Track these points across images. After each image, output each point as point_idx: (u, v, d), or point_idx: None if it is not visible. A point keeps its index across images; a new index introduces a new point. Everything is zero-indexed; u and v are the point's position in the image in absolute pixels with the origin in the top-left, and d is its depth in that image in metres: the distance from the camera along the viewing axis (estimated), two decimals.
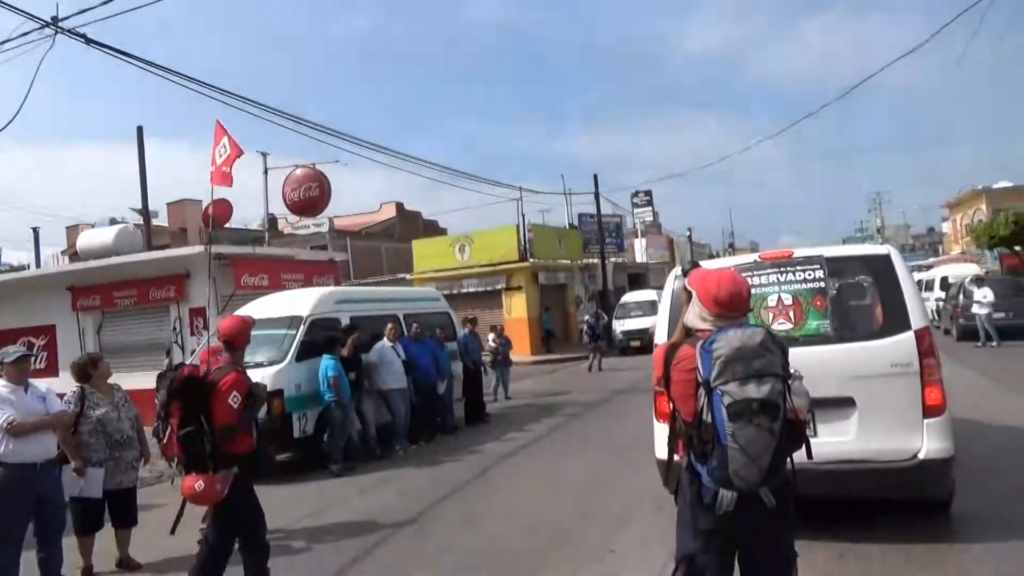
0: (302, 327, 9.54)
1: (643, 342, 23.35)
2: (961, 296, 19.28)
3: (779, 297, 5.18)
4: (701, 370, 2.51)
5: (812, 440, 4.53)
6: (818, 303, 5.12)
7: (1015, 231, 23.62)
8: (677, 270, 5.07)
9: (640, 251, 48.66)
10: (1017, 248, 25.45)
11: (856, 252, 5.72)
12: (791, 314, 5.12)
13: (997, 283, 20.42)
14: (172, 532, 4.42)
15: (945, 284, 24.62)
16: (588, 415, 12.35)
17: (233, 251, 14.61)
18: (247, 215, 53.68)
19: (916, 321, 4.83)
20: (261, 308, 9.95)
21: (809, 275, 5.15)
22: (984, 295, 18.43)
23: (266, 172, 20.59)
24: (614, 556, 5.19)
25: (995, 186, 45.72)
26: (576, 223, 34.39)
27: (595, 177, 31.92)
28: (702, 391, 2.51)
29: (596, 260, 31.78)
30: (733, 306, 2.65)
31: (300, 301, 10.24)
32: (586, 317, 22.17)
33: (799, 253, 5.29)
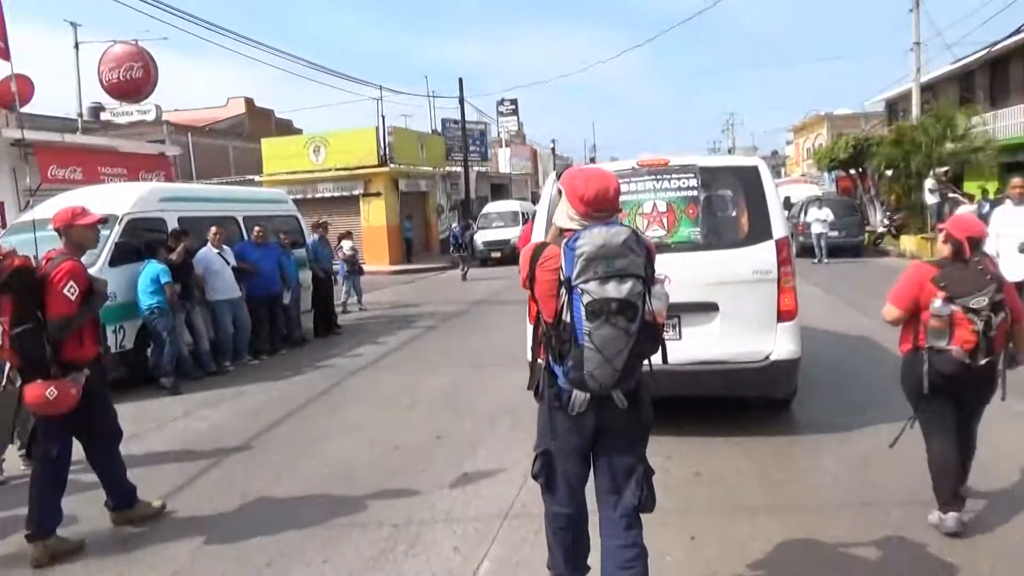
0: (117, 227, 8.24)
1: (504, 253, 23.16)
2: (802, 215, 20.27)
3: (654, 204, 5.27)
4: (564, 268, 2.46)
5: (677, 343, 4.92)
6: (690, 211, 5.23)
7: (853, 155, 25.03)
8: (555, 173, 5.18)
9: (504, 161, 48.06)
10: (852, 171, 27.06)
11: (728, 163, 5.93)
12: (665, 221, 5.24)
13: (834, 204, 21.66)
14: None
15: (787, 204, 25.91)
16: (445, 327, 11.87)
17: (37, 138, 12.60)
18: (65, 106, 47.71)
19: (778, 230, 5.03)
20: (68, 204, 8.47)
21: (683, 183, 5.23)
22: (825, 215, 19.46)
23: (77, 47, 17.88)
24: (467, 480, 4.76)
25: (836, 112, 48.52)
26: (439, 129, 33.19)
27: (460, 81, 30.65)
28: (564, 290, 2.46)
29: (459, 168, 30.89)
30: (599, 204, 2.56)
31: (116, 197, 8.83)
32: (454, 225, 21.67)
33: (675, 161, 5.31)
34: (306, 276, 11.11)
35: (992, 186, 22.51)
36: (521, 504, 4.25)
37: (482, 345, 9.87)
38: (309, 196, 25.83)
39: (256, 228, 9.83)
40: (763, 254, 5.00)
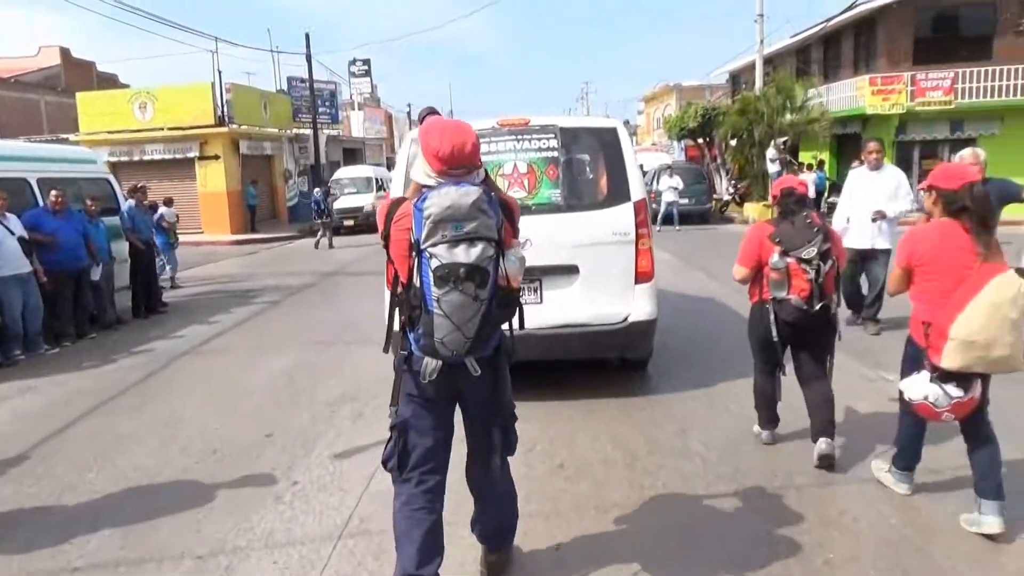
0: None
1: (358, 221, 22.09)
2: (654, 183, 20.62)
3: (515, 165, 5.15)
4: (413, 230, 2.34)
5: (538, 307, 4.99)
6: (551, 172, 5.16)
7: (702, 124, 25.83)
8: (415, 132, 4.74)
9: (357, 125, 46.08)
10: (700, 140, 27.96)
11: (587, 124, 5.83)
12: (526, 182, 5.12)
13: (684, 171, 22.22)
14: None
15: (640, 171, 26.41)
16: (290, 302, 10.85)
17: None
18: None
19: (635, 193, 5.07)
20: None
21: (544, 144, 5.16)
22: (676, 183, 19.88)
23: None
24: (296, 491, 4.04)
25: (684, 83, 50.26)
26: (285, 88, 31.06)
27: (307, 36, 28.58)
28: (413, 253, 2.35)
29: (308, 131, 29.06)
30: (456, 161, 2.43)
31: None
32: (316, 191, 20.48)
33: (536, 121, 5.22)
34: (121, 248, 9.71)
35: (825, 156, 23.96)
36: (359, 520, 3.60)
37: (332, 321, 9.04)
38: (136, 158, 23.39)
39: (53, 192, 8.36)
40: (622, 216, 5.01)
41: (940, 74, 20.86)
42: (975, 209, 3.15)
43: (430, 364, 2.48)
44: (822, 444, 3.93)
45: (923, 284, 3.28)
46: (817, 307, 3.86)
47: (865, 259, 6.90)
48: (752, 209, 21.30)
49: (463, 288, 2.30)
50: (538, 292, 5.06)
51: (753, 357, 4.32)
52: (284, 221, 27.31)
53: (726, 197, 24.26)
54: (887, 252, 6.73)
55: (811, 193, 22.73)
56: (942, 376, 3.15)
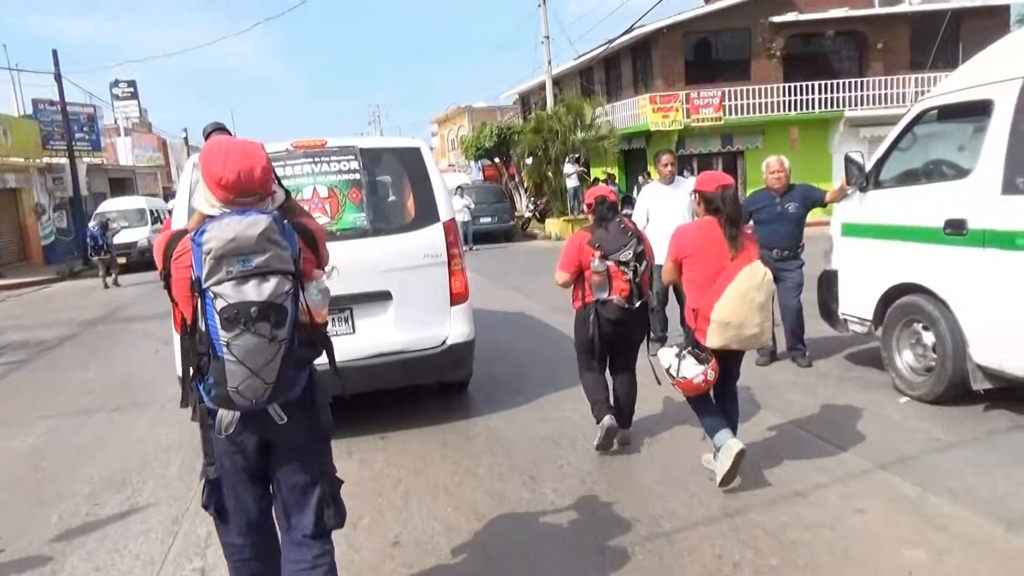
0: None
1: (131, 258, 19.77)
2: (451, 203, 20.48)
3: (314, 189, 4.89)
4: (194, 267, 2.10)
5: (351, 337, 4.83)
6: (354, 195, 4.95)
7: (498, 143, 26.20)
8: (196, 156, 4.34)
9: (125, 152, 41.82)
10: (496, 160, 28.35)
11: (389, 144, 5.76)
12: (328, 207, 4.88)
13: (483, 191, 22.37)
14: None
15: (447, 191, 26.22)
16: (40, 362, 9.09)
17: None
18: None
19: (444, 213, 5.02)
20: None
21: (344, 166, 4.96)
22: (467, 203, 19.84)
23: None
24: None
25: (475, 105, 51.32)
26: (32, 112, 27.26)
27: (54, 53, 25.35)
28: (196, 293, 2.12)
29: (64, 160, 25.66)
30: (242, 188, 2.17)
31: None
32: (92, 225, 18.19)
33: (333, 143, 5.01)
34: None
35: (614, 170, 25.19)
36: None
37: (96, 381, 7.58)
38: None
39: None
40: (432, 237, 4.96)
41: (710, 93, 22.78)
42: (725, 209, 3.73)
43: (226, 417, 2.24)
44: (607, 420, 4.34)
45: (689, 274, 3.85)
46: (637, 304, 4.24)
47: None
48: (554, 225, 21.86)
49: (256, 329, 2.07)
50: (349, 322, 4.87)
51: (578, 360, 4.58)
52: (38, 263, 23.83)
53: (527, 214, 24.72)
54: None
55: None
56: (694, 355, 3.76)
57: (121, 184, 35.35)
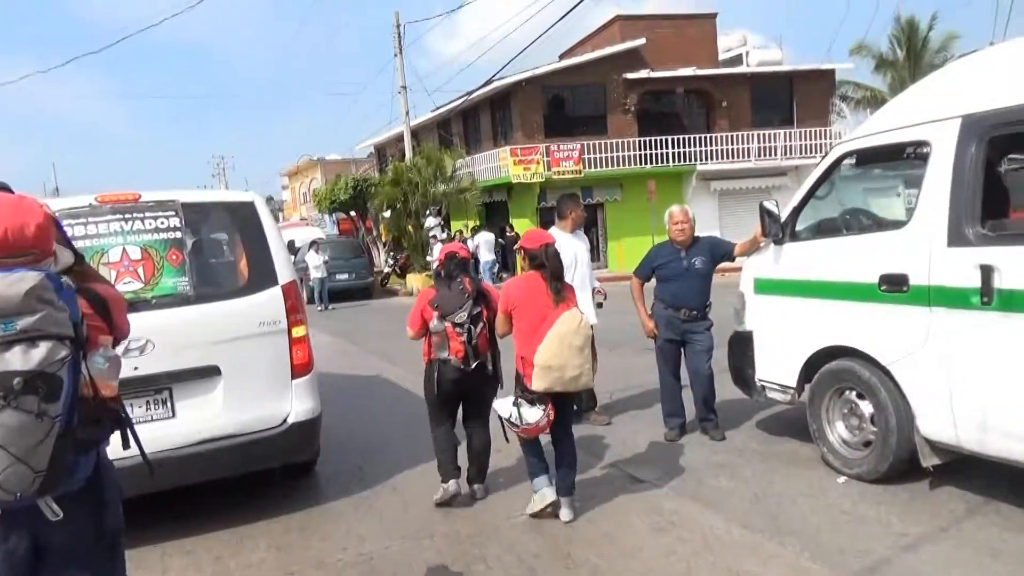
0: None
1: None
2: (305, 260, 19.70)
3: (124, 250, 4.36)
4: None
5: (170, 422, 4.34)
6: (174, 257, 4.47)
7: (353, 196, 25.66)
8: None
9: None
10: (353, 213, 27.75)
11: (218, 198, 5.40)
12: (141, 271, 4.37)
13: (339, 246, 21.70)
14: None
15: (292, 248, 25.23)
16: None
17: None
18: None
19: (283, 275, 4.66)
20: None
21: (162, 223, 4.46)
22: (321, 259, 19.03)
23: None
24: None
25: (328, 157, 50.45)
26: None
27: None
28: None
29: None
30: (10, 246, 1.98)
31: None
32: None
33: (148, 197, 4.51)
34: None
35: (475, 223, 25.23)
36: None
37: None
38: None
39: None
40: (268, 302, 4.55)
41: (569, 146, 23.44)
42: (549, 265, 4.14)
43: None
44: (451, 486, 4.55)
45: (518, 325, 4.17)
46: (473, 365, 4.40)
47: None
48: (416, 279, 21.45)
49: (20, 404, 1.85)
50: (168, 404, 4.32)
51: (429, 415, 4.68)
52: None
53: (386, 269, 24.19)
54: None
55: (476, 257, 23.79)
56: (527, 399, 4.07)
57: None
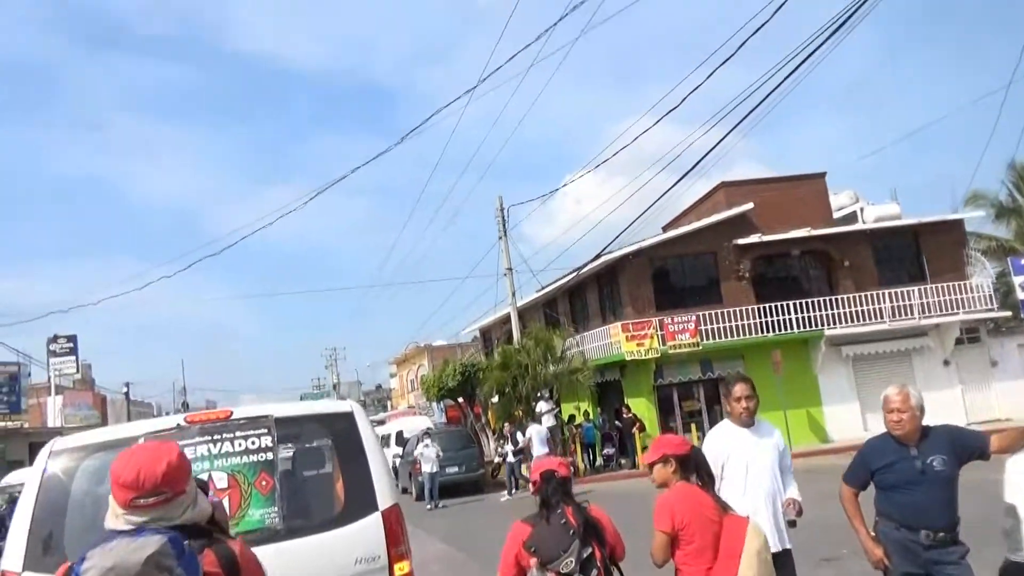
0: None
1: None
2: (415, 451, 19.16)
3: (210, 477, 3.96)
4: None
5: None
6: (264, 483, 4.09)
7: (462, 382, 25.44)
8: (55, 443, 4.08)
9: (54, 412, 40.09)
10: (460, 399, 27.44)
11: (313, 410, 4.91)
12: (226, 502, 3.91)
13: (447, 436, 21.10)
14: None
15: (401, 439, 24.91)
16: None
17: None
18: None
19: (383, 497, 4.26)
20: None
21: (253, 443, 4.15)
22: (433, 453, 18.38)
23: None
24: None
25: (435, 343, 51.52)
26: None
27: None
28: None
29: None
30: (141, 487, 2.04)
31: None
32: None
33: (240, 413, 4.28)
34: None
35: (588, 405, 24.25)
36: None
37: None
38: None
39: None
40: (368, 533, 4.14)
41: (684, 318, 22.66)
42: (703, 469, 3.76)
43: None
44: None
45: (687, 548, 3.62)
46: None
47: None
48: (528, 470, 20.31)
49: None
50: None
51: None
52: None
53: (497, 459, 23.27)
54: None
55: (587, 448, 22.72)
56: None
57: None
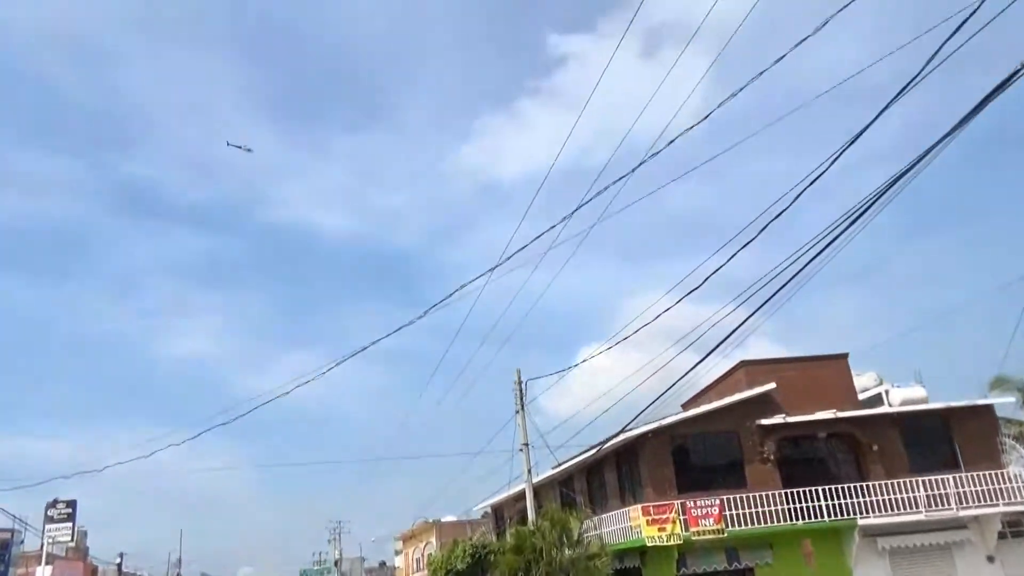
0: None
1: None
2: None
3: None
4: None
5: None
6: None
7: (472, 564, 24.09)
8: None
9: None
10: None
11: None
12: None
13: None
14: None
15: None
16: None
17: None
18: None
19: None
20: None
21: None
22: None
23: None
24: None
25: (444, 519, 49.55)
26: None
27: None
28: None
29: None
30: None
31: None
32: None
33: None
34: None
35: None
36: None
37: None
38: None
39: None
40: None
41: (707, 501, 21.63)
42: None
43: None
44: None
45: None
46: None
47: None
48: None
49: None
50: None
51: None
52: None
53: None
54: None
55: None
56: None
57: None
